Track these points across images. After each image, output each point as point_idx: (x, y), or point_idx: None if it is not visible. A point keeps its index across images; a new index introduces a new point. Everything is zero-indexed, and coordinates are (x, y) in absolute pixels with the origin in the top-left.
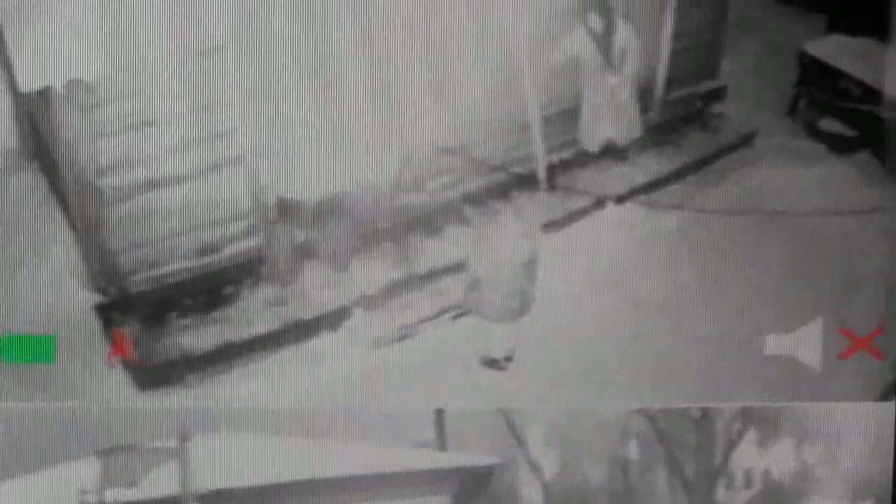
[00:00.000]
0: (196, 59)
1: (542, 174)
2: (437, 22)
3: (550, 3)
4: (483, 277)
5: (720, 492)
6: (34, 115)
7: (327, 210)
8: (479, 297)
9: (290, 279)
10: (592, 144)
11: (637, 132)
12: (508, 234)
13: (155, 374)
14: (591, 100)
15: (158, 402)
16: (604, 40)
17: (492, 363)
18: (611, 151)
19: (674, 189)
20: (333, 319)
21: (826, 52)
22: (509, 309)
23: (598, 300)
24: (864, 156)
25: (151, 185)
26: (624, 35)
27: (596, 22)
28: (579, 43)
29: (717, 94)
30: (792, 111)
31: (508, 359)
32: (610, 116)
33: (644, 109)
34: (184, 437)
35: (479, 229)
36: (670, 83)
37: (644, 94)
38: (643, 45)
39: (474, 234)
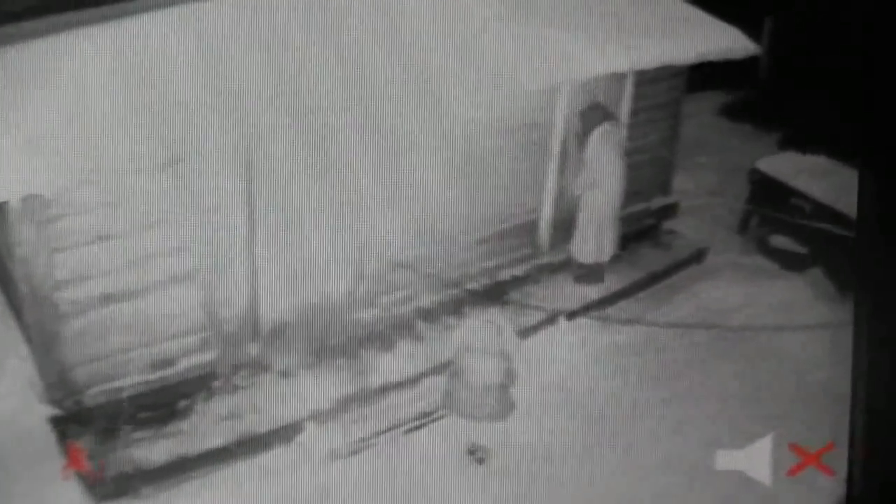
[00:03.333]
0: (152, 175)
1: None
2: (390, 136)
3: (508, 118)
4: (461, 374)
5: None
6: None
7: (281, 325)
8: (458, 395)
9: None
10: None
11: (612, 251)
12: (483, 333)
13: (110, 486)
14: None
15: None
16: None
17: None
18: (580, 270)
19: (626, 305)
20: (286, 433)
21: (777, 170)
22: (490, 407)
23: (548, 416)
24: (815, 272)
25: (107, 299)
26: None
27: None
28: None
29: (669, 211)
30: (743, 228)
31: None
32: (592, 232)
33: None
34: None
35: (457, 329)
36: (623, 199)
37: None
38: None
39: (450, 335)
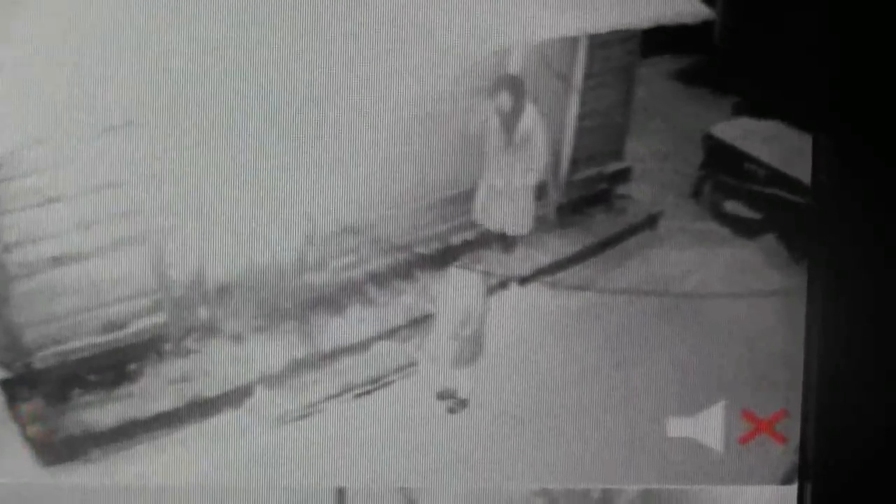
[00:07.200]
0: (102, 136)
1: None
2: (339, 99)
3: (458, 81)
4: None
5: None
6: None
7: (231, 288)
8: (431, 343)
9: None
10: (488, 224)
11: (527, 227)
12: (459, 285)
13: (58, 450)
14: (487, 180)
15: (61, 479)
16: (510, 121)
17: (452, 401)
18: (499, 238)
19: (578, 270)
20: (236, 397)
21: (732, 135)
22: (462, 354)
23: (500, 381)
24: (768, 239)
25: (57, 261)
26: (530, 118)
27: (506, 101)
28: (484, 120)
29: (622, 176)
30: (697, 194)
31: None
32: (504, 201)
33: (541, 193)
34: None
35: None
36: (575, 164)
37: (548, 176)
38: (548, 127)
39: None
